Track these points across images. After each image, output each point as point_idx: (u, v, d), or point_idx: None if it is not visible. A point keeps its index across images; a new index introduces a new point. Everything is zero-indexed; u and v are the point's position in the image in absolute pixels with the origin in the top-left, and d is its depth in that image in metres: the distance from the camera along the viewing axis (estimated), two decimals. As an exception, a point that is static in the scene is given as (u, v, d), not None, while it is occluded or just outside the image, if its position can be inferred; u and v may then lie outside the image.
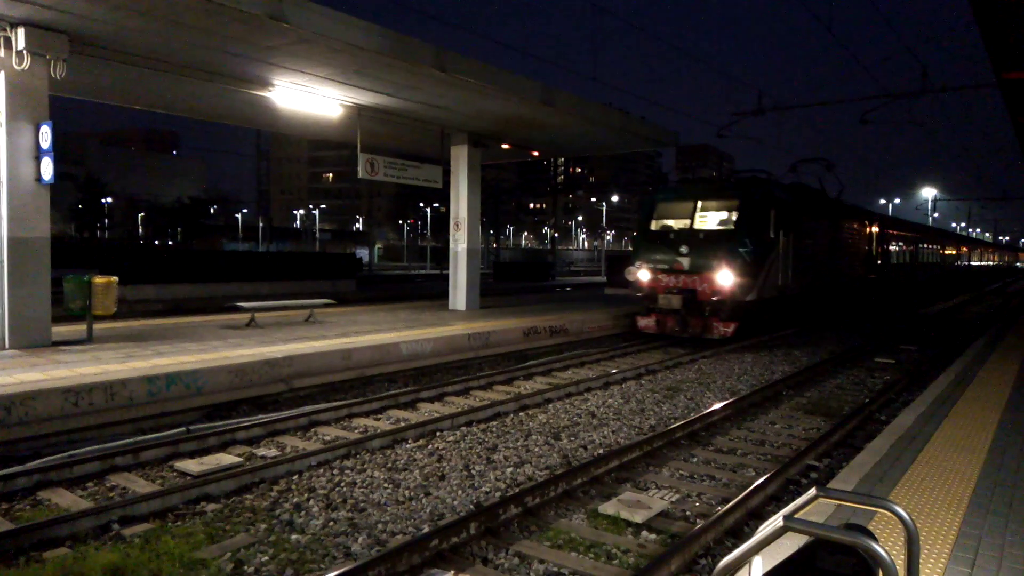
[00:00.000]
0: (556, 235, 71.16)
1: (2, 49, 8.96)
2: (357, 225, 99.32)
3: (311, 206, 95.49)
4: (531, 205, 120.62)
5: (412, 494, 5.90)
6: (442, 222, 67.01)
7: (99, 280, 10.09)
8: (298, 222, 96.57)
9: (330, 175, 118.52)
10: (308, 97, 12.61)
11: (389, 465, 6.68)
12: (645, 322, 15.36)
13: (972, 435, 6.15)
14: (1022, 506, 4.40)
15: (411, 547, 4.54)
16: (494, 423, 8.36)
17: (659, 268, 15.26)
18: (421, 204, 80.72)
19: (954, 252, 40.34)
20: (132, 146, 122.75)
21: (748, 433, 8.22)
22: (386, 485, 6.11)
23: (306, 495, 5.84)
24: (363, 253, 60.64)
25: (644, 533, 5.19)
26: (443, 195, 22.64)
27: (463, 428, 8.09)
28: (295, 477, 6.27)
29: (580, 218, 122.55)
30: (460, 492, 5.97)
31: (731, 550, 1.80)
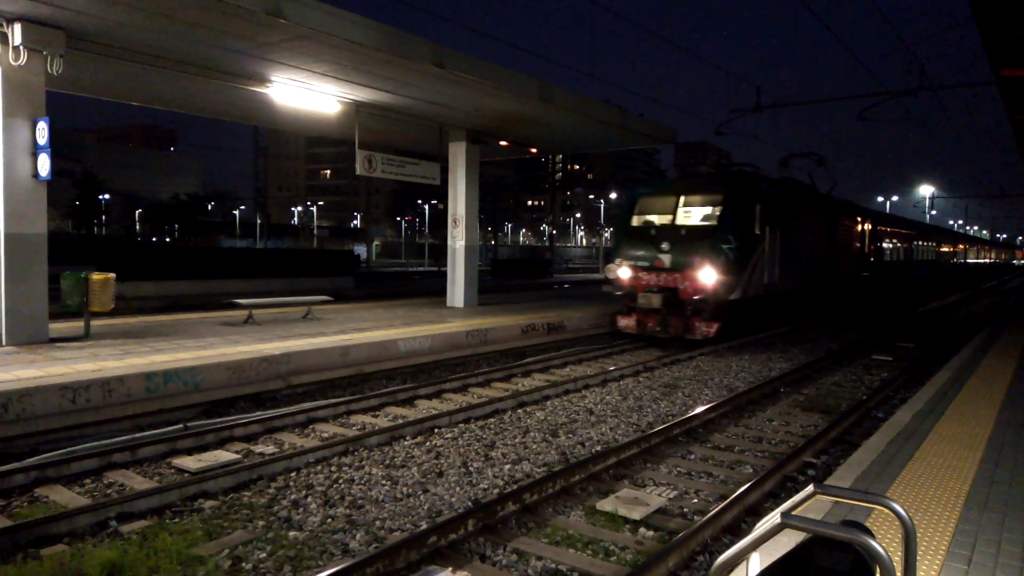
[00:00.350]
0: (554, 232, 71.16)
1: (-2, 45, 8.94)
2: (355, 222, 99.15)
3: (309, 203, 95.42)
4: (529, 202, 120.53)
5: (410, 491, 5.91)
6: (440, 219, 66.96)
7: (96, 277, 10.07)
8: (296, 219, 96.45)
9: (328, 172, 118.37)
10: (306, 93, 12.58)
11: (387, 462, 6.68)
12: (625, 322, 14.97)
13: (969, 432, 6.16)
14: (1019, 502, 4.42)
15: (409, 544, 4.54)
16: (492, 420, 8.36)
17: (639, 266, 14.76)
18: (419, 201, 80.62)
19: (950, 250, 40.23)
20: (129, 142, 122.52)
21: (746, 430, 8.23)
22: (384, 482, 6.11)
23: (304, 492, 5.84)
24: (361, 250, 60.62)
25: (642, 530, 5.20)
26: (441, 192, 22.66)
27: (461, 425, 8.09)
28: (293, 474, 6.27)
29: (578, 215, 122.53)
30: (458, 489, 5.98)
31: (729, 547, 1.80)
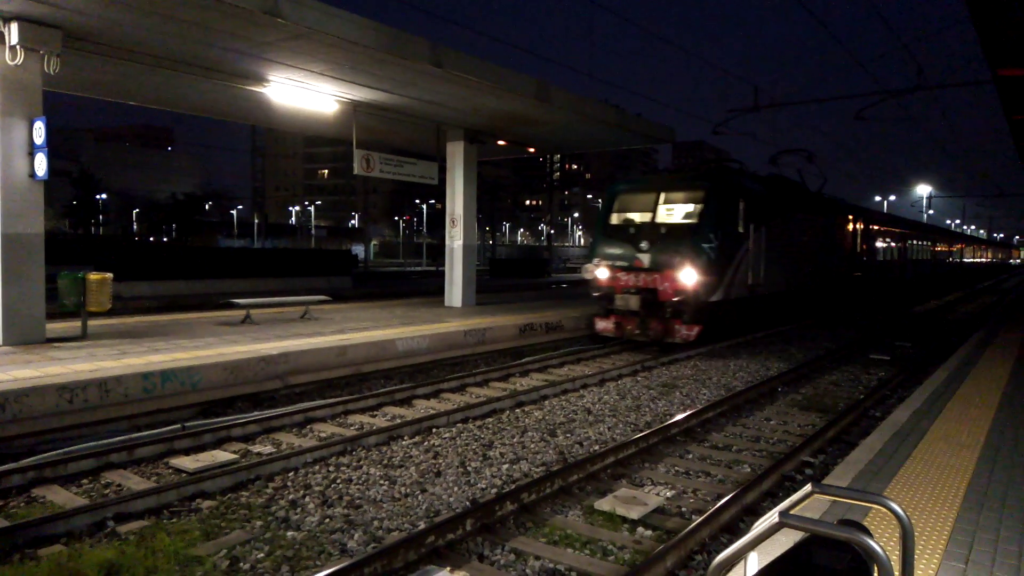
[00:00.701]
0: (552, 232, 71.14)
1: (-5, 44, 8.92)
2: (353, 222, 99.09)
3: (306, 202, 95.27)
4: (527, 202, 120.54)
5: (408, 491, 5.90)
6: (438, 219, 66.98)
7: (93, 276, 10.05)
8: (293, 219, 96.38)
9: (325, 171, 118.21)
10: (303, 93, 12.57)
11: (385, 462, 6.68)
12: (603, 324, 14.32)
13: (967, 431, 6.17)
14: (1016, 501, 4.42)
15: (407, 544, 4.54)
16: (490, 420, 8.36)
17: (618, 266, 14.00)
18: (417, 201, 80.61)
19: (945, 249, 40.09)
20: (127, 142, 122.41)
21: (743, 429, 8.24)
22: (382, 482, 6.10)
23: (302, 492, 5.83)
24: (359, 250, 60.47)
25: (640, 529, 5.20)
26: (439, 192, 22.63)
27: (459, 425, 8.09)
28: (291, 474, 6.26)
29: (576, 215, 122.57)
30: (456, 489, 5.97)
31: (727, 546, 1.80)
